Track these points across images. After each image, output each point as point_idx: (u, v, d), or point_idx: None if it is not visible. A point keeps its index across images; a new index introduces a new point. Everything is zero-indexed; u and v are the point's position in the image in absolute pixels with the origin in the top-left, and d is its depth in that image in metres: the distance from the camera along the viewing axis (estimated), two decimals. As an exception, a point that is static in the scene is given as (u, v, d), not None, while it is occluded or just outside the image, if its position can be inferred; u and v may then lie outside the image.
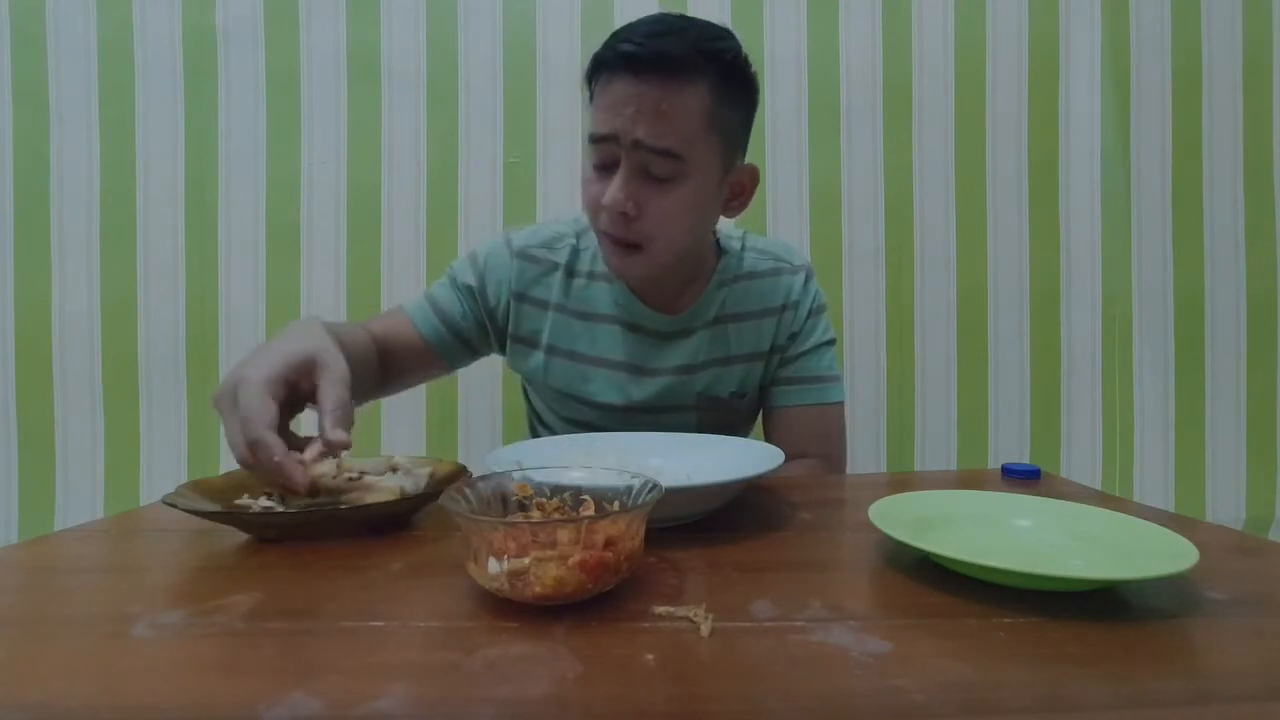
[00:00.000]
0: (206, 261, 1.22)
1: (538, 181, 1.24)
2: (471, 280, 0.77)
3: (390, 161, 1.23)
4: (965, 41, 1.25)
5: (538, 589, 0.30)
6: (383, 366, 0.73)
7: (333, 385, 0.46)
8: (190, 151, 1.21)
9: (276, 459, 0.42)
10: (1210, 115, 1.25)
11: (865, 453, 1.26)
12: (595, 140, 0.65)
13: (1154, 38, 1.24)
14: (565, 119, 1.23)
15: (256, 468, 0.44)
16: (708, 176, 0.66)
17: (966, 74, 1.26)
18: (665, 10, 1.21)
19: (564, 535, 0.32)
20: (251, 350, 0.51)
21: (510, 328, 0.78)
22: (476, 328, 0.78)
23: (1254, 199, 1.25)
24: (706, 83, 0.62)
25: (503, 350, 0.81)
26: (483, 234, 1.21)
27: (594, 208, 0.67)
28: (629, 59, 0.61)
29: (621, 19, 1.21)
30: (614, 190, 0.63)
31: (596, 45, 0.61)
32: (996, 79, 1.26)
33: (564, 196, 1.23)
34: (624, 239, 0.66)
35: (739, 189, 0.72)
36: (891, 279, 1.27)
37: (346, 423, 0.46)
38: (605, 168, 0.65)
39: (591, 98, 0.67)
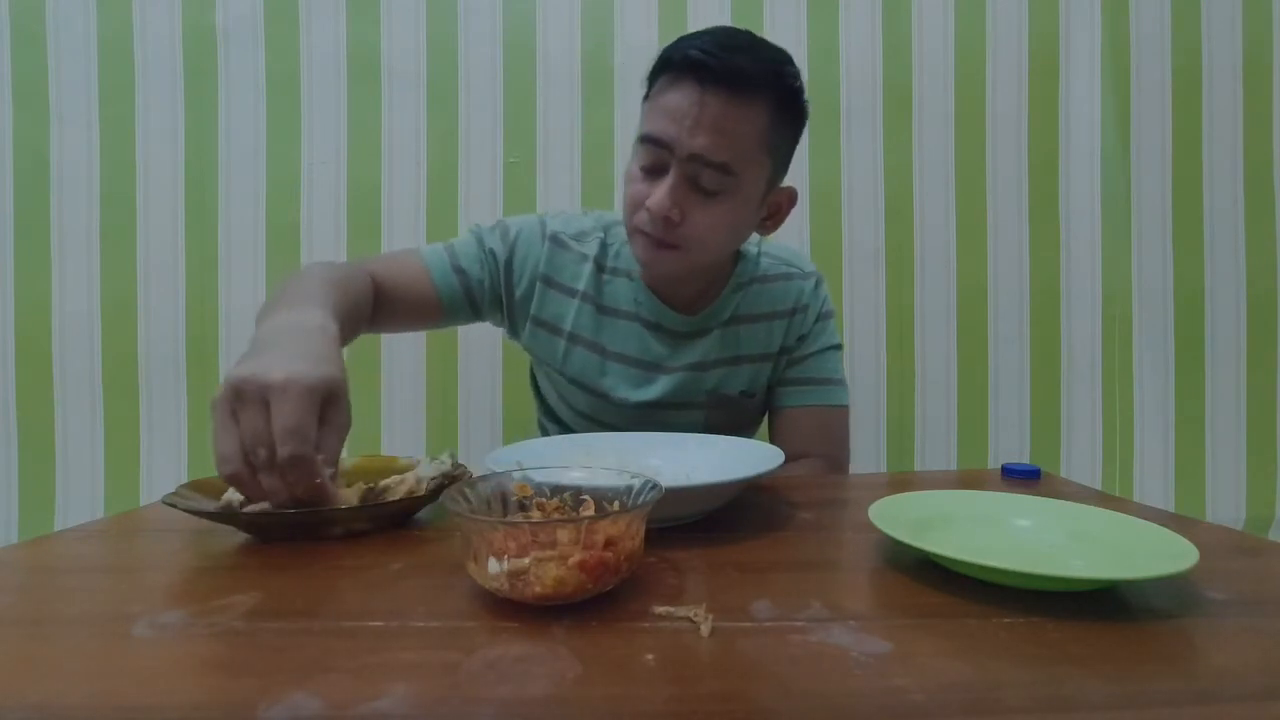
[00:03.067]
0: (206, 261, 1.22)
1: (538, 181, 1.24)
2: (499, 250, 0.77)
3: (390, 161, 1.23)
4: (965, 41, 1.25)
5: (538, 589, 0.30)
6: (376, 308, 0.71)
7: (336, 435, 0.44)
8: (190, 151, 1.21)
9: (319, 480, 0.41)
10: (1210, 115, 1.25)
11: (865, 453, 1.26)
12: (647, 141, 0.64)
13: (1154, 38, 1.24)
14: (565, 119, 1.23)
15: (255, 482, 0.41)
16: (752, 194, 0.67)
17: (966, 74, 1.26)
18: (665, 11, 1.23)
19: (564, 535, 0.32)
20: (260, 340, 0.47)
21: (533, 309, 0.78)
22: (491, 296, 0.78)
23: (1254, 199, 1.25)
24: (767, 104, 0.63)
25: (511, 326, 0.81)
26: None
27: (635, 206, 0.67)
28: (698, 67, 0.60)
29: (621, 19, 1.23)
30: (661, 196, 0.63)
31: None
32: (996, 79, 1.26)
33: (564, 196, 1.23)
34: (662, 240, 0.66)
35: (775, 208, 0.73)
36: (891, 279, 1.27)
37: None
38: (652, 170, 0.65)
39: (648, 95, 0.66)
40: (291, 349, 0.45)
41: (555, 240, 0.77)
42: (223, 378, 0.42)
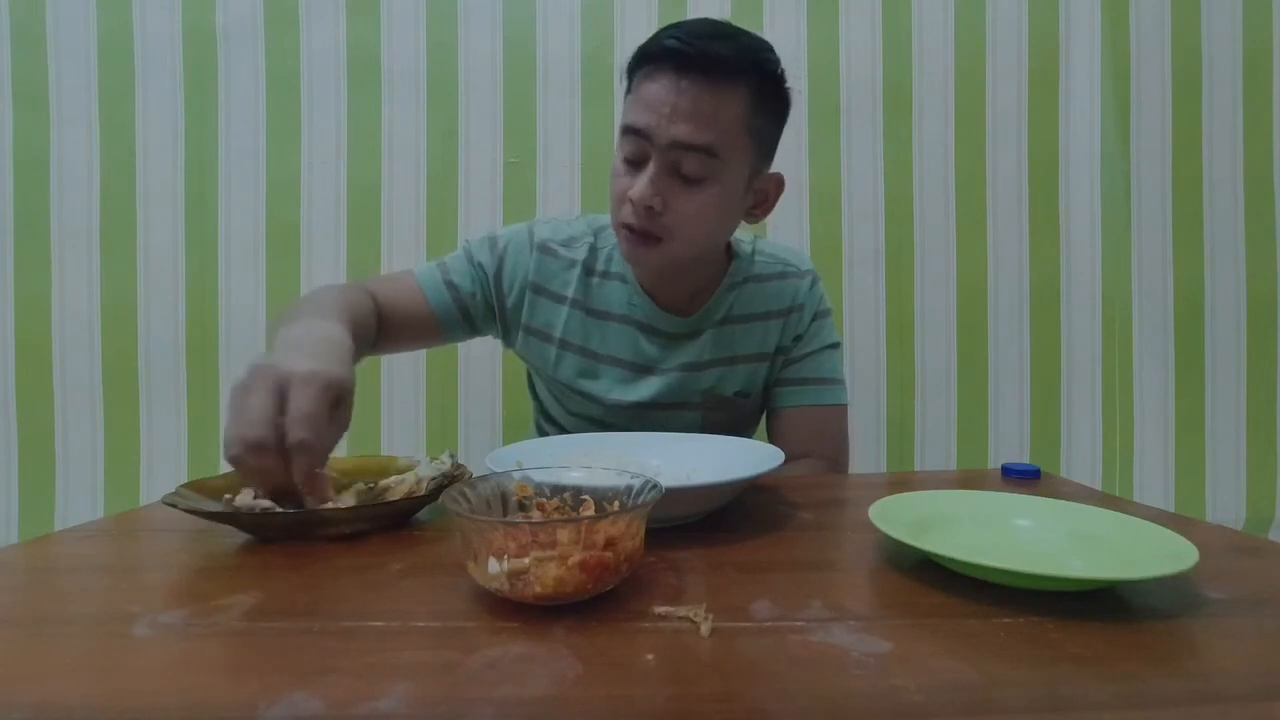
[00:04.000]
0: (206, 261, 1.22)
1: (538, 181, 1.24)
2: (488, 263, 0.77)
3: (390, 161, 1.23)
4: (965, 41, 1.25)
5: (538, 589, 0.30)
6: (379, 330, 0.73)
7: (337, 430, 0.47)
8: (190, 151, 1.21)
9: (318, 470, 0.44)
10: (1210, 115, 1.25)
11: (865, 453, 1.26)
12: (628, 132, 0.65)
13: (1154, 38, 1.24)
14: (565, 119, 1.23)
15: (262, 467, 0.42)
16: (735, 180, 0.67)
17: (966, 74, 1.26)
18: (665, 11, 1.23)
19: (564, 535, 0.32)
20: (282, 343, 0.50)
21: (524, 318, 0.78)
22: (484, 308, 0.78)
23: (1254, 199, 1.25)
24: (746, 89, 0.63)
25: (505, 335, 0.81)
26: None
27: (619, 200, 0.67)
28: (675, 56, 0.61)
29: (621, 19, 1.23)
30: (643, 185, 0.63)
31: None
32: (996, 79, 1.26)
33: (564, 196, 1.23)
34: (645, 231, 0.66)
35: (763, 196, 0.73)
36: (891, 279, 1.27)
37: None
38: (635, 162, 0.65)
39: (630, 89, 0.67)
40: (311, 351, 0.49)
41: (543, 248, 0.78)
42: (226, 376, 0.44)
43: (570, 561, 0.30)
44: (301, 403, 0.43)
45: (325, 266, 1.22)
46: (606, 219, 0.80)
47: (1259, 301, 1.26)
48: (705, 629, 0.29)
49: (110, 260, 1.20)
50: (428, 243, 1.23)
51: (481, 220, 1.23)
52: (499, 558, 0.31)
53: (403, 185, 1.23)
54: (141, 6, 1.19)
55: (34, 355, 1.19)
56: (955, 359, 1.27)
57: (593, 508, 0.38)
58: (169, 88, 1.20)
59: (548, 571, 0.30)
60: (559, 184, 1.23)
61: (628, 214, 0.66)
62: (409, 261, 1.21)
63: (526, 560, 0.31)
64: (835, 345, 0.83)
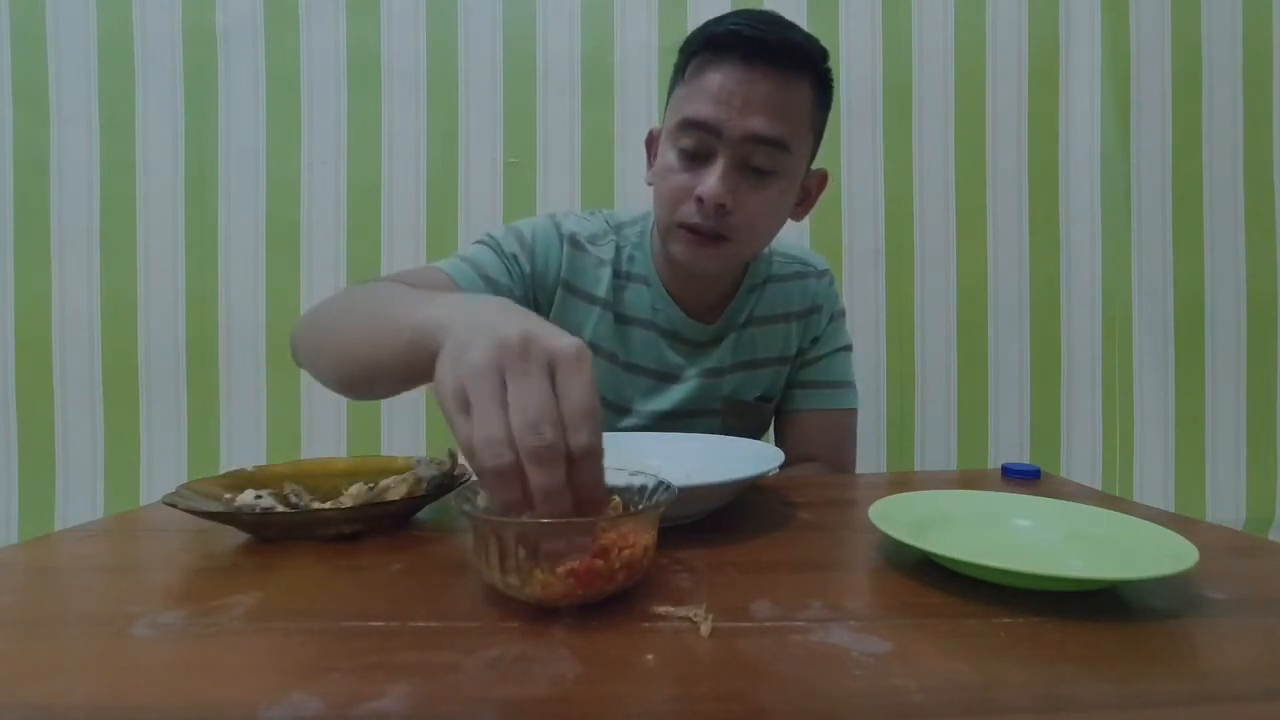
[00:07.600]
0: (206, 261, 1.22)
1: (538, 181, 1.24)
2: (520, 254, 0.71)
3: (390, 161, 1.23)
4: (965, 41, 1.25)
5: (539, 590, 0.30)
6: None
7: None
8: (190, 152, 1.21)
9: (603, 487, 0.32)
10: (1210, 115, 1.25)
11: (865, 453, 1.26)
12: (690, 125, 0.61)
13: (1154, 38, 1.24)
14: (565, 119, 1.23)
15: (554, 484, 0.29)
16: (798, 174, 0.65)
17: (966, 74, 1.26)
18: (665, 11, 1.23)
19: (576, 535, 0.31)
20: (466, 311, 0.35)
21: (553, 317, 0.73)
22: (522, 301, 0.71)
23: (1254, 199, 1.25)
24: (810, 80, 0.62)
25: None
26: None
27: (679, 198, 0.63)
28: (743, 43, 0.58)
29: (621, 19, 1.23)
30: (715, 182, 0.60)
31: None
32: (996, 79, 1.26)
33: (564, 196, 1.23)
34: (711, 231, 0.63)
35: (806, 192, 0.71)
36: (891, 279, 1.27)
37: None
38: (695, 156, 0.62)
39: (683, 78, 0.63)
40: (534, 318, 0.34)
41: (573, 242, 0.73)
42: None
43: (559, 570, 0.30)
44: (581, 392, 0.30)
45: (325, 266, 1.22)
46: (622, 216, 0.78)
47: (1259, 301, 1.26)
48: (705, 629, 0.29)
49: (110, 260, 1.20)
50: (428, 243, 1.23)
51: (481, 220, 1.23)
52: (509, 557, 0.31)
53: (403, 185, 1.23)
54: (141, 6, 1.19)
55: (34, 355, 1.19)
56: (955, 359, 1.27)
57: (620, 507, 0.38)
58: (169, 88, 1.20)
59: (542, 575, 0.30)
60: (559, 184, 1.23)
61: (690, 213, 0.63)
62: (409, 262, 1.22)
63: (537, 560, 0.30)
64: (848, 347, 0.82)
